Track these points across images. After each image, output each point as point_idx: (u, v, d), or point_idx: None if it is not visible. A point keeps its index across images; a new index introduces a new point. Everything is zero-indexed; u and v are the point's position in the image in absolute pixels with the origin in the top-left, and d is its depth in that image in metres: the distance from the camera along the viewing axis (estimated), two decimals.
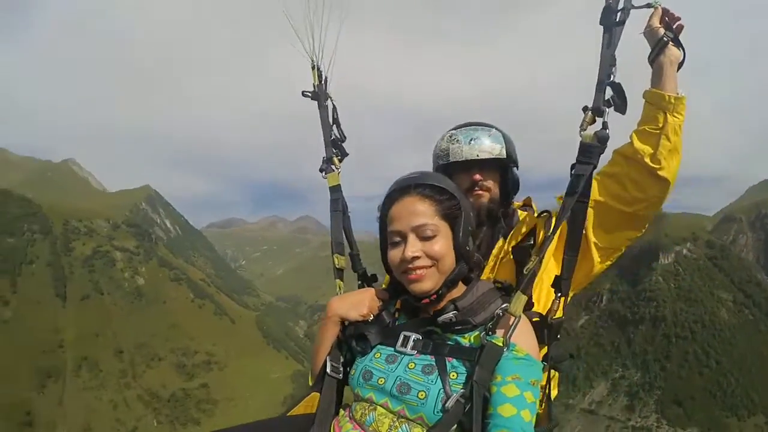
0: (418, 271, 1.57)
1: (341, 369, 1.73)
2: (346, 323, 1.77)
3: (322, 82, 2.46)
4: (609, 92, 1.79)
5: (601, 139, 1.76)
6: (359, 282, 2.17)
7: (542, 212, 2.23)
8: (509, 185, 2.30)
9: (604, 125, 1.78)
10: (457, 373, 1.48)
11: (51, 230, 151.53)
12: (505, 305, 1.57)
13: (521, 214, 2.30)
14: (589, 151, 1.76)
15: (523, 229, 2.18)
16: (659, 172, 1.92)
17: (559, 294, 1.83)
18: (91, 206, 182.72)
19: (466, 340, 1.55)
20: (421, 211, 1.59)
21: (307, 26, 2.34)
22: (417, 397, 1.46)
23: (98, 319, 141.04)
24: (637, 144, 1.96)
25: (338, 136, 2.41)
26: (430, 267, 1.58)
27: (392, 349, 1.63)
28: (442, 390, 1.44)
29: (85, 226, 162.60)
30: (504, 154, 2.21)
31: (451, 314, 1.57)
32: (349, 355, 1.76)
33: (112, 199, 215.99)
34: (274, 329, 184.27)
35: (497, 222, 2.26)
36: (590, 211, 1.98)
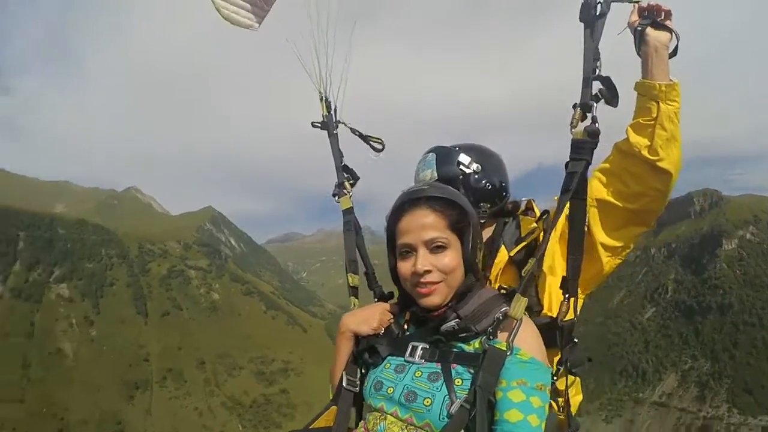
0: (429, 286, 1.61)
1: (357, 382, 1.78)
2: (360, 338, 1.83)
3: (331, 111, 2.59)
4: (597, 86, 1.78)
5: (592, 134, 1.74)
6: (375, 300, 2.20)
7: (542, 213, 2.19)
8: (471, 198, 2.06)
9: (593, 120, 1.76)
10: (462, 380, 1.50)
11: (127, 254, 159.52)
12: (504, 309, 1.59)
13: (522, 221, 2.24)
14: (580, 148, 1.74)
15: (523, 235, 2.14)
16: (658, 164, 1.88)
17: (567, 295, 1.82)
18: (160, 230, 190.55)
19: (471, 347, 1.57)
20: (431, 224, 1.62)
21: (313, 60, 2.50)
22: (423, 404, 1.49)
23: (179, 333, 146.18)
24: (633, 137, 1.93)
25: (376, 145, 2.58)
26: (440, 282, 1.61)
27: (401, 359, 1.67)
28: (448, 396, 1.47)
29: (159, 249, 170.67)
30: (435, 176, 2.22)
31: (453, 323, 1.60)
32: (365, 369, 1.80)
33: (178, 222, 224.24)
34: None
35: (500, 231, 2.22)
36: (593, 210, 2.00)
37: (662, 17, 1.88)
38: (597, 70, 1.78)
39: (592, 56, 1.78)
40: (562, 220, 1.93)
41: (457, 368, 1.53)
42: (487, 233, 2.21)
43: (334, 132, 2.57)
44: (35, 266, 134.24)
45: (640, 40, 1.90)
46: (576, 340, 1.94)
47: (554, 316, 1.88)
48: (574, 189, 1.73)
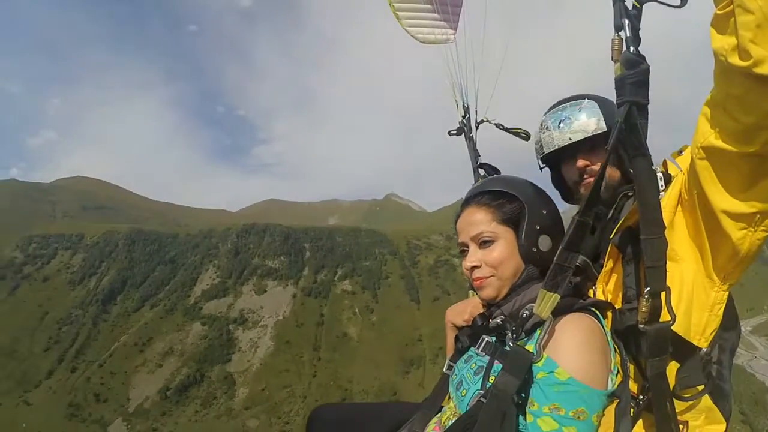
0: (480, 281, 1.60)
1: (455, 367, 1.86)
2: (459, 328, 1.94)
3: (468, 116, 2.77)
4: None
5: (628, 64, 1.31)
6: None
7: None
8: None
9: (629, 43, 1.32)
10: (495, 377, 1.44)
11: (397, 251, 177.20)
12: (530, 305, 1.46)
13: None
14: (620, 87, 1.32)
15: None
16: (756, 70, 1.13)
17: (648, 289, 1.39)
18: (423, 227, 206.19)
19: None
20: (478, 220, 1.61)
21: (453, 70, 2.74)
22: (461, 394, 1.57)
23: None
24: (715, 40, 1.23)
25: (523, 134, 2.51)
26: (491, 276, 1.58)
27: (473, 350, 1.72)
28: (478, 390, 1.48)
29: (424, 243, 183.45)
30: (603, 127, 1.83)
31: (498, 319, 1.59)
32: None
33: (436, 217, 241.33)
34: None
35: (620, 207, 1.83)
36: (704, 165, 1.40)
37: None
38: None
39: None
40: (678, 183, 1.55)
41: (496, 365, 1.50)
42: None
43: (471, 135, 2.73)
44: (321, 269, 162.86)
45: None
46: (705, 350, 1.49)
47: (666, 318, 1.42)
48: (629, 144, 1.34)
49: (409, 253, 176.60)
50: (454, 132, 2.76)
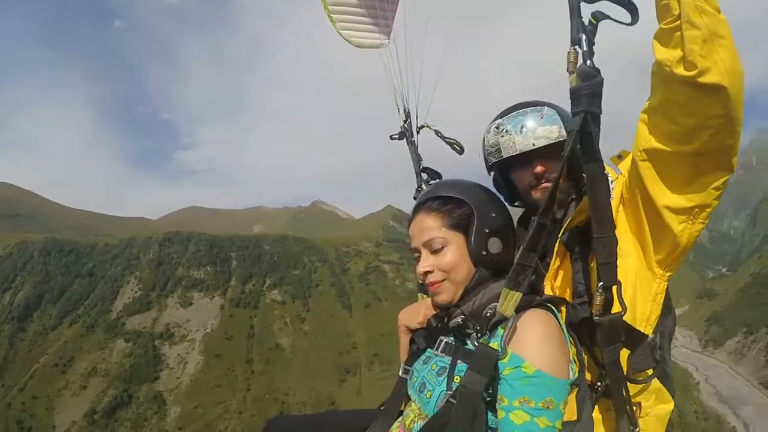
0: (434, 286, 1.65)
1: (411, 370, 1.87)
2: (412, 331, 1.95)
3: (409, 121, 2.77)
4: (592, 10, 1.42)
5: (584, 76, 1.37)
6: None
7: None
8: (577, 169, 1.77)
9: (585, 56, 1.38)
10: (460, 377, 1.48)
11: (327, 258, 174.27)
12: (493, 305, 1.50)
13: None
14: (576, 97, 1.37)
15: (578, 209, 1.74)
16: (701, 79, 1.29)
17: (602, 283, 1.48)
18: (351, 233, 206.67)
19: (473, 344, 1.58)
20: (428, 226, 1.65)
21: (393, 73, 2.72)
22: (426, 396, 1.57)
23: (381, 321, 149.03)
24: (659, 52, 1.38)
25: (457, 148, 2.60)
26: (444, 280, 1.63)
27: (431, 351, 1.74)
28: (445, 391, 1.49)
29: (353, 249, 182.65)
30: (563, 135, 1.84)
31: (458, 319, 1.61)
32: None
33: (364, 224, 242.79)
34: None
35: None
36: (645, 166, 1.54)
37: None
38: None
39: None
40: (619, 185, 1.68)
41: (459, 365, 1.53)
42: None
43: (412, 140, 2.76)
44: (249, 279, 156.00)
45: None
46: (651, 336, 1.63)
47: (617, 310, 1.51)
48: (583, 151, 1.41)
49: (338, 260, 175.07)
50: (396, 136, 2.74)
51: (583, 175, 1.46)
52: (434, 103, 2.69)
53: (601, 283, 1.47)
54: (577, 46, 1.38)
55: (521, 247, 1.44)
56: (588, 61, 1.36)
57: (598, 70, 1.36)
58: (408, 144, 2.71)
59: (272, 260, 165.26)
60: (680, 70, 1.30)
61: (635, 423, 1.65)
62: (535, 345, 1.37)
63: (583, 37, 1.37)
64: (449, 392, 1.46)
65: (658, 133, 1.48)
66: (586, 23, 1.38)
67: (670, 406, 1.79)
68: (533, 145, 1.83)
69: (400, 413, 1.81)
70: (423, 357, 1.77)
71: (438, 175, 2.54)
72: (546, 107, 1.88)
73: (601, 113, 1.38)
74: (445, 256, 1.62)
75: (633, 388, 1.64)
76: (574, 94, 1.36)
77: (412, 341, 1.88)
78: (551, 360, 1.36)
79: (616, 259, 1.46)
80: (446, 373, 1.54)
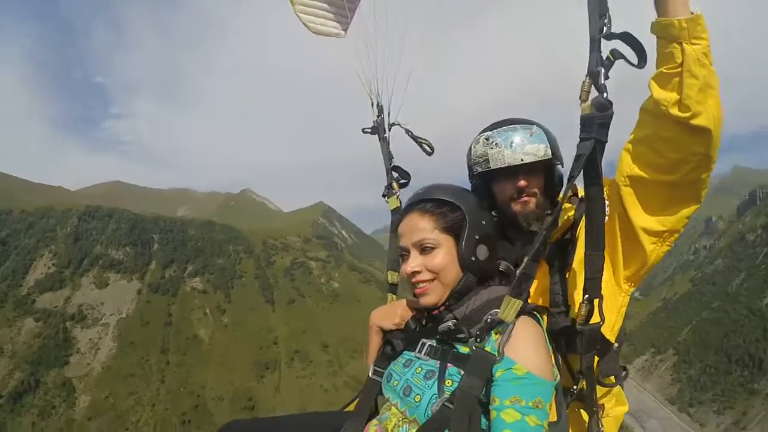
0: (421, 285, 1.66)
1: (383, 373, 1.85)
2: (385, 332, 1.94)
3: (382, 116, 2.69)
4: (609, 47, 1.53)
5: (600, 107, 1.50)
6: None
7: (580, 200, 1.92)
8: (555, 186, 2.04)
9: (601, 89, 1.52)
10: (452, 381, 1.51)
11: (253, 249, 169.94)
12: (494, 311, 1.55)
13: (565, 207, 1.92)
14: (588, 125, 1.50)
15: (560, 224, 1.90)
16: (693, 122, 1.56)
17: (587, 296, 1.64)
18: (279, 226, 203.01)
19: (466, 349, 1.57)
20: (421, 227, 1.67)
21: (365, 66, 2.60)
22: (414, 400, 1.56)
23: (304, 318, 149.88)
24: (657, 93, 1.61)
25: (427, 149, 2.61)
26: (432, 281, 1.65)
27: (412, 354, 1.74)
28: (436, 395, 1.50)
29: (281, 243, 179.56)
30: (549, 155, 1.95)
31: (450, 323, 1.62)
32: (388, 361, 1.88)
33: (293, 218, 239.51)
34: None
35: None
36: (628, 191, 1.78)
37: None
38: (605, 28, 1.49)
39: (598, 11, 1.49)
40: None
41: (450, 369, 1.54)
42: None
43: (384, 135, 2.68)
44: (170, 264, 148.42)
45: None
46: (617, 345, 1.76)
47: (596, 320, 1.67)
48: (588, 174, 1.54)
49: (264, 253, 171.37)
50: (369, 130, 2.70)
51: (576, 196, 1.80)
52: (406, 104, 2.65)
53: (587, 296, 1.63)
54: (590, 78, 1.51)
55: (526, 258, 1.53)
56: (605, 94, 1.50)
57: (611, 103, 1.50)
58: (380, 140, 2.66)
59: (196, 246, 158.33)
60: (675, 111, 1.55)
61: (601, 423, 1.81)
62: (526, 349, 1.45)
63: (602, 70, 1.49)
64: (445, 396, 1.47)
65: (643, 163, 1.72)
66: (604, 57, 1.51)
67: (626, 407, 2.04)
68: (521, 160, 1.91)
69: (372, 415, 1.81)
70: (402, 360, 1.76)
71: (408, 175, 2.57)
72: (535, 126, 1.98)
73: (607, 142, 1.52)
74: (436, 257, 1.64)
75: (599, 391, 1.80)
76: (587, 122, 1.49)
77: (388, 342, 1.87)
78: (540, 363, 1.45)
79: (602, 275, 1.62)
80: (436, 377, 1.55)
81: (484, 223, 1.71)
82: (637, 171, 1.73)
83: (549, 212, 1.87)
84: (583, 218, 1.75)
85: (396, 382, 1.70)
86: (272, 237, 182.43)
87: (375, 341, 1.97)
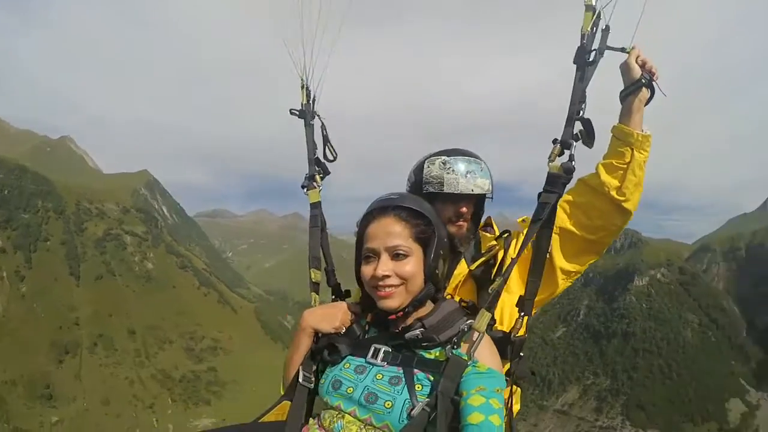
0: (387, 289, 1.68)
1: (313, 378, 1.82)
2: (320, 335, 1.87)
3: (310, 101, 2.52)
4: (578, 126, 1.87)
5: (567, 171, 1.85)
6: (332, 296, 2.26)
7: (503, 233, 2.32)
8: (479, 215, 2.39)
9: (571, 158, 1.86)
10: (422, 386, 1.58)
11: (64, 210, 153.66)
12: (469, 321, 1.67)
13: (482, 236, 2.36)
14: (554, 182, 1.86)
15: (483, 251, 2.27)
16: (624, 204, 2.04)
17: (523, 314, 1.92)
18: (97, 188, 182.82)
19: (431, 355, 1.66)
20: (396, 233, 1.69)
21: (299, 46, 2.41)
22: (384, 406, 1.56)
23: (111, 299, 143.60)
24: (604, 177, 2.05)
25: (330, 153, 2.48)
26: (399, 286, 1.68)
27: (362, 360, 1.73)
28: (409, 400, 1.54)
29: (96, 208, 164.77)
30: (490, 190, 2.28)
31: (418, 331, 1.67)
32: (321, 366, 1.85)
33: (112, 181, 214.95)
34: (271, 321, 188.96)
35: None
36: (556, 238, 2.11)
37: (655, 78, 2.00)
38: (581, 112, 1.86)
39: (578, 98, 1.86)
40: (520, 241, 2.07)
41: (418, 374, 1.61)
42: None
43: (311, 122, 2.50)
44: None
45: (634, 90, 2.01)
46: (522, 354, 2.00)
47: (506, 330, 1.94)
48: (545, 219, 1.86)
49: (76, 216, 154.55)
50: (296, 112, 2.51)
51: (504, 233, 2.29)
52: (328, 101, 2.54)
53: (523, 314, 1.91)
54: (564, 148, 1.86)
55: (498, 278, 1.81)
56: (573, 162, 1.85)
57: (575, 169, 1.86)
58: (305, 125, 2.49)
59: (2, 194, 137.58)
60: (614, 194, 2.02)
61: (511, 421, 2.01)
62: (487, 353, 1.63)
63: (573, 143, 1.85)
64: (425, 401, 1.51)
65: (575, 221, 2.12)
66: (576, 131, 1.87)
67: (519, 407, 2.26)
68: (472, 190, 2.18)
69: (308, 421, 1.76)
70: (350, 366, 1.73)
71: (327, 172, 2.46)
72: (484, 163, 2.26)
73: (562, 195, 1.91)
74: (407, 265, 1.67)
75: (506, 393, 1.89)
76: (554, 180, 1.85)
77: (332, 347, 1.80)
78: (497, 364, 1.63)
79: (535, 297, 1.94)
80: (404, 383, 1.58)
81: (444, 240, 1.79)
82: (569, 226, 2.11)
83: (472, 236, 2.31)
84: (511, 248, 2.15)
85: (350, 389, 1.65)
86: (88, 199, 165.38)
87: (305, 344, 1.87)
